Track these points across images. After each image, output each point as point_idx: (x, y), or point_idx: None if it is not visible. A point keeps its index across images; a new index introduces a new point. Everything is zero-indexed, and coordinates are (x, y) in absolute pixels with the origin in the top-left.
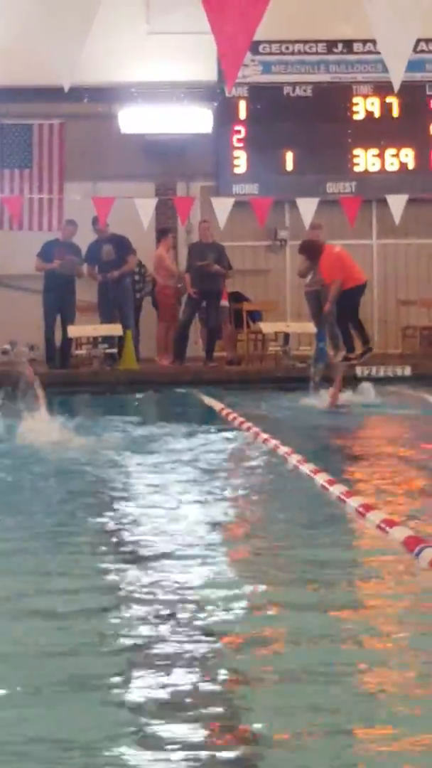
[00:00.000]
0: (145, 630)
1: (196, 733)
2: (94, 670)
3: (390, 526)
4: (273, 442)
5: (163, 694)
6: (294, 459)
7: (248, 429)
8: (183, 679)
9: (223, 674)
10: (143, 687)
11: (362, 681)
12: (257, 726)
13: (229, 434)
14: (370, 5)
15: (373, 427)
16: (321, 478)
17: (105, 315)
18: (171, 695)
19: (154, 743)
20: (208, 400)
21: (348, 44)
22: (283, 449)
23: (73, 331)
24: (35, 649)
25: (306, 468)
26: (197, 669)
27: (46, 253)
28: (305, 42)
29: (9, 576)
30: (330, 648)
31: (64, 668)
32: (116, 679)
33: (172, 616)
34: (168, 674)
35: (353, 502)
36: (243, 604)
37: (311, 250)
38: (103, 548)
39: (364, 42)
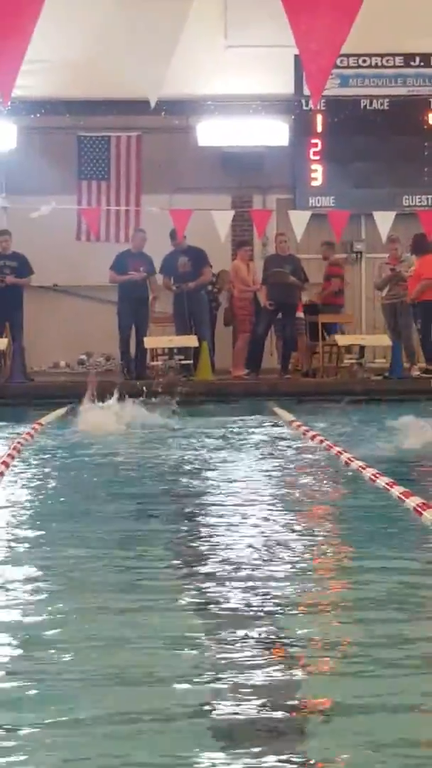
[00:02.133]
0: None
1: None
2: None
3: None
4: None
5: None
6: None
7: (320, 442)
8: None
9: None
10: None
11: None
12: None
13: (299, 445)
14: None
15: None
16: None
17: (180, 326)
18: None
19: None
20: (281, 412)
21: (425, 58)
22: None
23: (148, 342)
24: None
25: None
26: None
27: (119, 264)
28: (382, 56)
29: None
30: None
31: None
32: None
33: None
34: None
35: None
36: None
37: (421, 243)
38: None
39: None
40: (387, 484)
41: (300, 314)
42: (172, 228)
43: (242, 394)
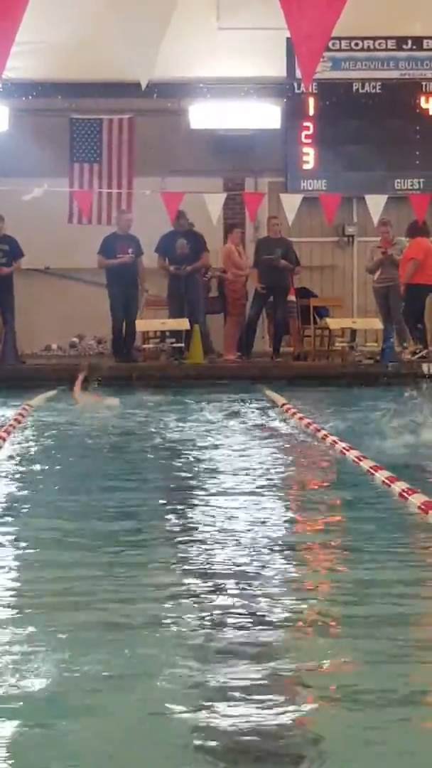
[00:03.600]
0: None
1: None
2: None
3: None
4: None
5: None
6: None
7: (307, 425)
8: None
9: None
10: None
11: None
12: None
13: (286, 428)
14: None
15: None
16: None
17: (174, 309)
18: None
19: None
20: (271, 394)
21: (417, 41)
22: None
23: (140, 325)
24: None
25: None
26: None
27: (107, 248)
28: (375, 39)
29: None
30: None
31: None
32: None
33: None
34: None
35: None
36: None
37: (413, 227)
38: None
39: None
40: (371, 468)
41: (292, 298)
42: (180, 209)
43: (233, 377)
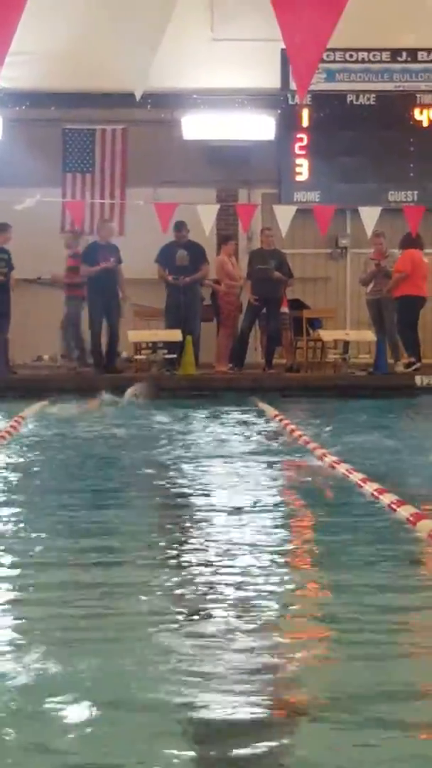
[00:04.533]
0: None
1: None
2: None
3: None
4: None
5: None
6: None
7: (298, 436)
8: None
9: None
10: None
11: None
12: None
13: (278, 440)
14: None
15: None
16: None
17: (172, 319)
18: None
19: None
20: (264, 406)
21: (412, 53)
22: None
23: (132, 336)
24: None
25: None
26: None
27: (89, 256)
28: (369, 50)
29: None
30: None
31: None
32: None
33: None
34: None
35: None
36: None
37: (406, 239)
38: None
39: (429, 51)
40: (360, 480)
41: (284, 309)
42: (179, 221)
43: (226, 388)
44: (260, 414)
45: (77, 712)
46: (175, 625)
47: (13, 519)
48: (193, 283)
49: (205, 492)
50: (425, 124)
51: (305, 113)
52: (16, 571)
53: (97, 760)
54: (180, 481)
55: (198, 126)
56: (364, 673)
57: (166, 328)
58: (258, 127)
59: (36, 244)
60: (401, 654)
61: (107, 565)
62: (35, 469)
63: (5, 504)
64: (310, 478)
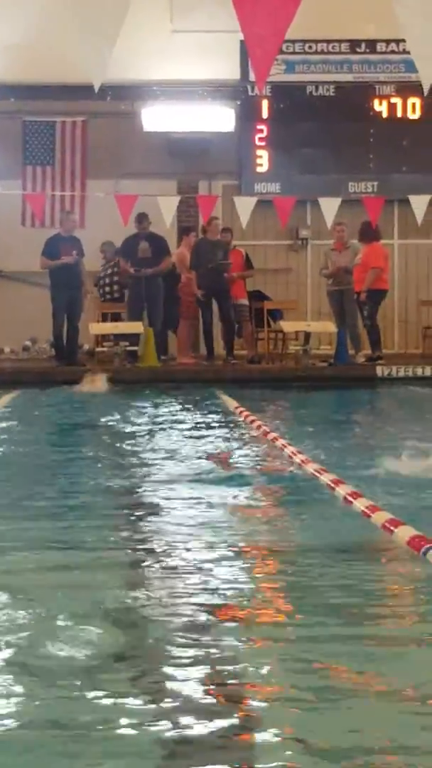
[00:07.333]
0: None
1: None
2: None
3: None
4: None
5: None
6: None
7: (258, 427)
8: None
9: None
10: None
11: None
12: None
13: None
14: (399, 6)
15: None
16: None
17: (134, 312)
18: None
19: None
20: (225, 398)
21: (371, 44)
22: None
23: (94, 328)
24: None
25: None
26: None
27: (50, 249)
28: (328, 41)
29: None
30: None
31: None
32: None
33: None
34: None
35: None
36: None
37: (367, 231)
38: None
39: (387, 42)
40: (316, 470)
41: (244, 301)
42: (141, 212)
43: (187, 380)
44: (221, 405)
45: None
46: None
47: None
48: (155, 275)
49: (152, 490)
50: (384, 115)
51: (265, 104)
52: None
53: None
54: (136, 469)
55: (158, 118)
56: None
57: (128, 320)
58: (218, 118)
59: None
60: None
61: None
62: None
63: None
64: (269, 465)
